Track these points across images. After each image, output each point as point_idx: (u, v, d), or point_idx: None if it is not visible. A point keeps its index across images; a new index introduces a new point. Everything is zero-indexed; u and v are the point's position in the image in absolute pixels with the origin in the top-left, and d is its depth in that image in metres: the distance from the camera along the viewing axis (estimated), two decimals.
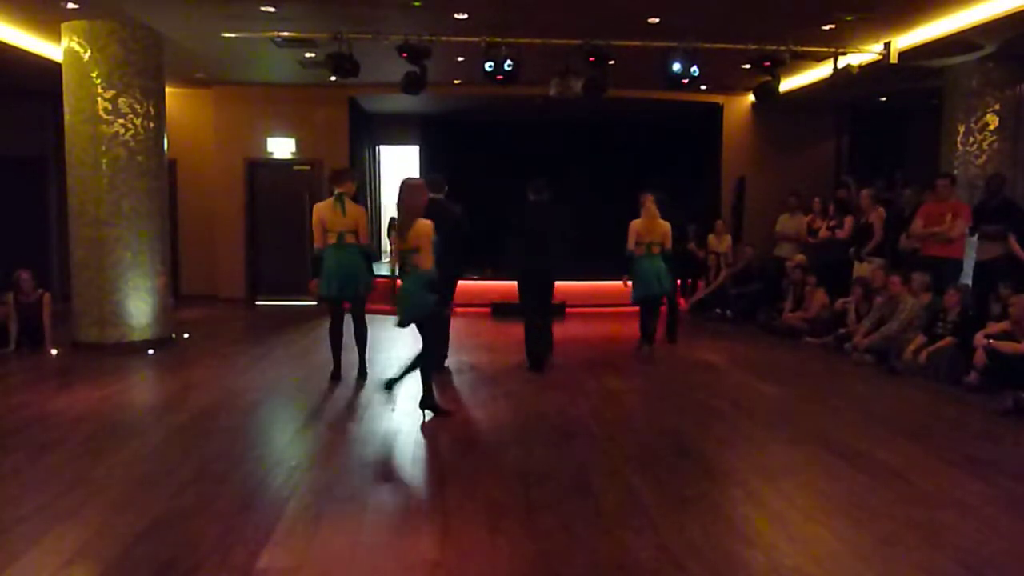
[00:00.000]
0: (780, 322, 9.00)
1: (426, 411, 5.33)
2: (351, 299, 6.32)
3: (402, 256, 5.25)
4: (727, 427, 5.27)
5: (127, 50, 7.66)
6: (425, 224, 5.15)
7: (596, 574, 3.08)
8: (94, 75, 7.58)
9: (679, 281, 9.37)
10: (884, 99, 11.52)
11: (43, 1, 7.02)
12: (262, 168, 11.74)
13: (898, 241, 8.19)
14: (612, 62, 8.00)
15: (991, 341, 6.00)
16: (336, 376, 6.43)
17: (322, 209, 6.17)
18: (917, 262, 7.71)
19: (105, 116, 7.61)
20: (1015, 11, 6.81)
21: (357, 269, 6.21)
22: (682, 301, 9.97)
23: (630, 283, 7.57)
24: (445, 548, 3.29)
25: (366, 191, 12.90)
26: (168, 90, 8.51)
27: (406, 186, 5.31)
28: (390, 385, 5.31)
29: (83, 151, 7.65)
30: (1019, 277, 6.82)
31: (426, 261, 5.13)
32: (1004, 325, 6.11)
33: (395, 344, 8.30)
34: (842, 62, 8.22)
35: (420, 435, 4.96)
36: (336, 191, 6.21)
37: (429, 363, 5.39)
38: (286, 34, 7.93)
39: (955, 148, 8.81)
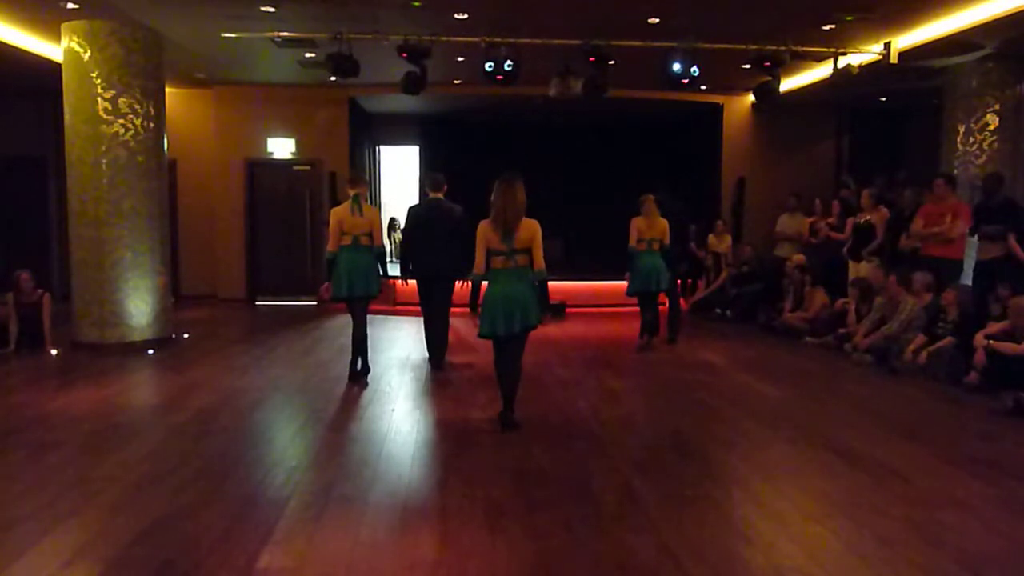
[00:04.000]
0: (780, 322, 9.00)
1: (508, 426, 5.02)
2: (361, 299, 6.30)
3: (494, 257, 4.88)
4: (727, 427, 5.26)
5: (127, 50, 7.66)
6: (534, 223, 4.85)
7: (596, 574, 3.08)
8: (94, 75, 7.58)
9: (680, 281, 9.41)
10: (884, 99, 11.52)
11: (43, 1, 7.02)
12: (262, 168, 11.74)
13: (898, 241, 8.20)
14: (612, 62, 8.00)
15: (991, 341, 6.00)
16: (356, 375, 6.41)
17: (340, 212, 6.18)
18: (917, 262, 7.70)
19: (105, 116, 7.61)
20: (1015, 11, 6.81)
21: (369, 270, 6.23)
22: (683, 301, 9.98)
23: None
24: (445, 548, 3.29)
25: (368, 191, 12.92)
26: (168, 90, 8.52)
27: (507, 183, 4.84)
28: (506, 421, 5.01)
29: (83, 151, 7.65)
30: (1019, 277, 6.82)
31: (540, 261, 4.84)
32: (1004, 325, 6.11)
33: (394, 345, 8.30)
34: (842, 62, 8.22)
35: (420, 435, 4.96)
36: (352, 193, 6.22)
37: (516, 378, 5.07)
38: (286, 34, 7.93)
39: (955, 148, 8.81)
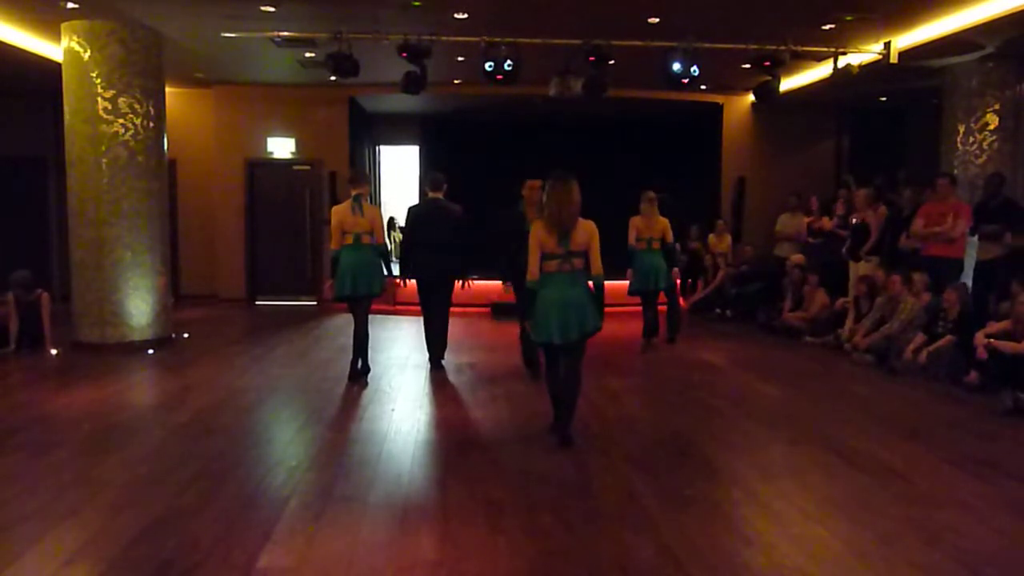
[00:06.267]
0: (780, 322, 8.99)
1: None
2: (364, 297, 6.30)
3: (547, 261, 4.55)
4: (727, 427, 5.27)
5: (127, 50, 7.66)
6: (591, 224, 4.58)
7: (596, 574, 3.08)
8: (94, 75, 7.58)
9: (679, 281, 9.39)
10: (884, 99, 11.52)
11: (43, 1, 7.01)
12: (262, 168, 11.73)
13: (898, 241, 8.19)
14: (612, 62, 8.00)
15: (992, 341, 6.00)
16: (356, 375, 6.42)
17: (340, 212, 6.22)
18: (917, 262, 7.71)
19: (105, 116, 7.61)
20: (1015, 11, 6.81)
21: (372, 269, 6.25)
22: (682, 301, 9.98)
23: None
24: (445, 548, 3.29)
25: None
26: (168, 90, 8.51)
27: (562, 182, 4.53)
28: (563, 435, 4.65)
29: (83, 151, 7.65)
30: (1019, 277, 6.80)
31: (598, 264, 4.58)
32: (1005, 324, 6.11)
33: (394, 345, 8.30)
34: (842, 62, 8.22)
35: (420, 435, 4.96)
36: (353, 193, 6.25)
37: (576, 389, 4.78)
38: (286, 34, 7.93)
39: (955, 148, 8.81)
